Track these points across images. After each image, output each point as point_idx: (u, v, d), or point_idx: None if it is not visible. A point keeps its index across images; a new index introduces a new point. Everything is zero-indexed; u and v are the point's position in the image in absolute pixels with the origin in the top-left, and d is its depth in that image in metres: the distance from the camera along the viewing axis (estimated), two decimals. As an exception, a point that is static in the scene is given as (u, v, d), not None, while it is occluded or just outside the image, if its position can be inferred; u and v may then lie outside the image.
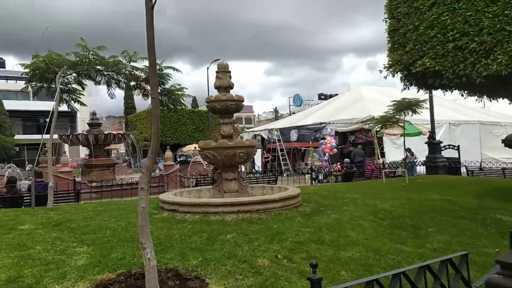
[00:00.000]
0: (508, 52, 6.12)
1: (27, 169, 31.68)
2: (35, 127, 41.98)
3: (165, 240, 4.72)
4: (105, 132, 18.46)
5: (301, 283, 3.77)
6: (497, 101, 10.20)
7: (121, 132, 20.19)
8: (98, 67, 9.19)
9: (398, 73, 8.32)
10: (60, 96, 9.24)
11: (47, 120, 35.70)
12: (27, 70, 10.00)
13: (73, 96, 10.51)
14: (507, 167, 15.55)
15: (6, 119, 34.35)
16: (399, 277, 2.57)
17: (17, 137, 35.97)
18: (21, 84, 45.65)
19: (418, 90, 9.05)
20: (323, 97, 48.34)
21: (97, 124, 18.52)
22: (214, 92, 7.04)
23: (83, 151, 32.91)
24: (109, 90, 10.15)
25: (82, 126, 42.36)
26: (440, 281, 2.77)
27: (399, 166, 15.84)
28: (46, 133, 37.55)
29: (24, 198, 9.63)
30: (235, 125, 7.03)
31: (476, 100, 10.05)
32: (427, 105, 14.03)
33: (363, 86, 25.90)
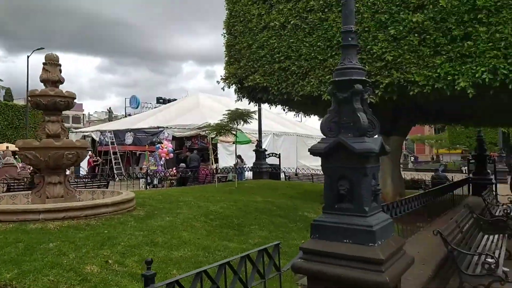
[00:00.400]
0: (319, 77, 7.46)
1: None
2: None
3: (-34, 254, 3.99)
4: None
5: (132, 285, 3.78)
6: (310, 117, 12.14)
7: None
8: None
9: (233, 85, 9.08)
10: None
11: None
12: None
13: None
14: (315, 173, 18.63)
15: None
16: (224, 267, 2.90)
17: None
18: None
19: (249, 102, 10.05)
20: (162, 100, 47.94)
21: None
22: (38, 85, 6.29)
23: None
24: None
25: None
26: (257, 268, 3.24)
27: (230, 171, 17.07)
28: None
29: None
30: (63, 124, 6.42)
31: (294, 115, 11.76)
32: (256, 116, 15.66)
33: (201, 94, 26.92)
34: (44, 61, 6.15)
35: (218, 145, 20.30)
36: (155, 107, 44.50)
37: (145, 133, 22.16)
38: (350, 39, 3.32)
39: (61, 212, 5.50)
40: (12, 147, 22.01)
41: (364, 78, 3.30)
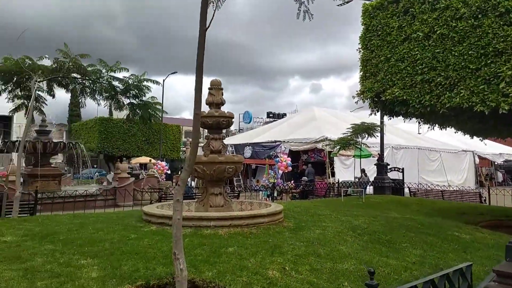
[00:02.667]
0: (470, 87, 7.01)
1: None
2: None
3: (169, 253, 4.72)
4: (55, 141, 17.44)
5: (313, 293, 4.03)
6: (446, 129, 11.36)
7: (72, 141, 19.13)
8: (74, 74, 8.86)
9: (368, 99, 9.04)
10: (22, 102, 8.71)
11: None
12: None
13: (36, 104, 9.95)
14: (446, 189, 17.18)
15: None
16: (429, 284, 2.94)
17: None
18: None
19: (383, 116, 9.84)
20: (272, 115, 49.61)
21: (46, 132, 17.43)
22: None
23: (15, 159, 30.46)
24: (80, 99, 9.77)
25: (17, 132, 39.28)
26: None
27: (350, 186, 16.76)
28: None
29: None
30: (223, 141, 7.18)
31: (429, 128, 11.11)
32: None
33: (315, 108, 27.16)
34: (209, 86, 7.01)
35: (335, 158, 20.18)
36: (265, 122, 46.28)
37: (262, 147, 23.19)
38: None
39: (228, 220, 6.13)
40: (151, 160, 25.06)
41: None
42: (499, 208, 12.38)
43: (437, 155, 24.15)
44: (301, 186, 16.45)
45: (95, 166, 36.84)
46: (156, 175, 20.05)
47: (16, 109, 12.18)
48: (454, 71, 7.29)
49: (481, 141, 13.38)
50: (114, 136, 33.35)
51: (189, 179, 23.59)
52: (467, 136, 12.34)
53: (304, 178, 17.41)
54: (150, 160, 23.84)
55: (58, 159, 36.22)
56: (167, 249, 4.90)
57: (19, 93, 9.45)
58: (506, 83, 6.50)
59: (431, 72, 7.66)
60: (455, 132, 12.03)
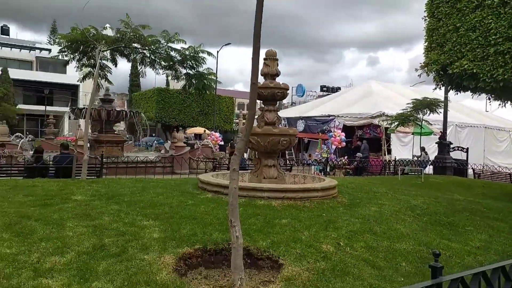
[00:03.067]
0: (554, 61, 6.29)
1: (27, 139, 31.49)
2: (35, 97, 41.52)
3: (225, 220, 4.85)
4: (117, 109, 18.41)
5: (368, 270, 3.95)
6: (505, 106, 10.41)
7: (134, 110, 20.12)
8: (135, 44, 9.16)
9: (433, 72, 8.45)
10: (89, 71, 9.21)
11: (47, 92, 35.05)
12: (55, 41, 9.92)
13: (102, 73, 10.47)
14: (515, 172, 15.90)
15: (10, 88, 33.95)
16: (498, 270, 2.74)
17: (18, 106, 35.62)
18: (24, 54, 45.07)
19: (448, 91, 9.20)
20: (325, 88, 48.44)
21: (109, 100, 18.41)
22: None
23: (83, 126, 32.69)
24: (141, 68, 10.14)
25: (83, 100, 42.05)
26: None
27: (408, 164, 16.05)
28: (48, 105, 37.10)
29: (50, 169, 9.66)
30: (278, 113, 7.12)
31: (499, 105, 10.25)
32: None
33: (372, 81, 26.02)
34: (264, 56, 6.90)
35: (392, 135, 19.35)
36: (318, 95, 45.34)
37: (315, 121, 22.81)
38: None
39: (281, 192, 6.15)
40: (205, 130, 25.72)
41: None
42: None
43: (506, 135, 22.32)
44: (355, 162, 16.07)
45: (153, 134, 38.63)
46: (210, 145, 20.59)
47: (84, 77, 12.94)
48: (536, 42, 6.56)
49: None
50: (171, 106, 34.52)
51: (168, 147, 23.56)
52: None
53: (359, 154, 16.95)
54: (205, 131, 24.48)
55: (121, 126, 38.41)
56: (223, 216, 5.04)
57: (86, 62, 9.99)
58: None
59: (507, 42, 6.95)
60: (531, 111, 10.97)
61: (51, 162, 9.97)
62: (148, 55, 9.63)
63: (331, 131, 19.79)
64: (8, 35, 48.89)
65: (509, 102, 9.85)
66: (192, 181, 8.28)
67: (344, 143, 19.57)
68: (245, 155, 21.44)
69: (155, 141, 31.90)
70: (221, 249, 4.05)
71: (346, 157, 18.49)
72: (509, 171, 16.31)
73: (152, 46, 9.32)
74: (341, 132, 20.03)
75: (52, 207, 4.95)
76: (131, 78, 45.46)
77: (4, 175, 9.30)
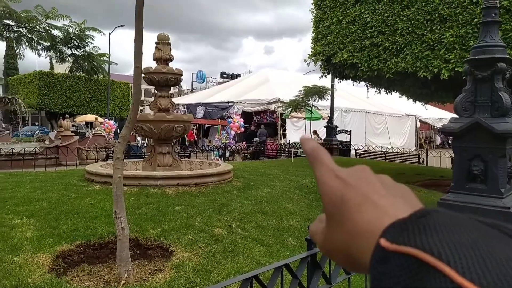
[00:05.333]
0: (415, 53, 7.24)
1: None
2: None
3: (111, 212, 4.59)
4: (-13, 95, 16.03)
5: (257, 248, 4.13)
6: (391, 93, 11.79)
7: (10, 96, 17.65)
8: (7, 21, 7.95)
9: (319, 62, 9.07)
10: None
11: None
12: None
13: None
14: (389, 151, 18.17)
15: None
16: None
17: None
18: None
19: (333, 79, 9.96)
20: (225, 75, 48.86)
21: (-23, 84, 15.93)
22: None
23: None
24: (18, 49, 8.86)
25: None
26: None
27: (300, 147, 17.10)
28: None
29: None
30: (171, 99, 6.93)
31: (375, 92, 11.47)
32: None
33: (269, 69, 27.02)
34: (156, 40, 6.62)
35: (287, 120, 20.45)
36: (219, 82, 45.53)
37: (215, 107, 22.92)
38: (493, 15, 3.22)
39: (175, 179, 6.04)
40: (97, 118, 23.95)
41: (507, 56, 3.22)
42: (435, 169, 13.34)
43: (382, 118, 25.25)
44: (253, 147, 16.60)
45: (36, 123, 34.64)
46: (103, 134, 19.26)
47: None
48: (401, 36, 7.46)
49: (423, 105, 14.07)
50: (56, 92, 31.26)
51: (139, 138, 23.00)
52: (410, 100, 12.92)
53: (256, 139, 17.55)
54: (97, 119, 22.78)
55: (-6, 115, 33.55)
56: (110, 208, 4.74)
57: None
58: (446, 49, 6.77)
59: (380, 36, 7.79)
60: (400, 97, 12.54)
61: None
62: (25, 33, 8.45)
63: (230, 117, 20.08)
64: None
65: (383, 89, 11.09)
66: (79, 172, 7.65)
67: (243, 129, 20.05)
68: (145, 143, 20.60)
69: (38, 131, 28.65)
70: (106, 242, 3.83)
71: (244, 142, 18.99)
72: (384, 150, 18.59)
73: (28, 24, 8.20)
74: (240, 118, 20.49)
75: None
76: (6, 60, 39.80)
77: None
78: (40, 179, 6.53)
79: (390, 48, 7.72)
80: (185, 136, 22.14)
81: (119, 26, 25.75)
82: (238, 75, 46.05)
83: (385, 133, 24.92)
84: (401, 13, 7.42)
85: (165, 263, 3.66)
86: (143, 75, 6.99)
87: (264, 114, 22.16)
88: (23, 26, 8.21)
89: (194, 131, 22.96)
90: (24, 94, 30.60)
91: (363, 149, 19.05)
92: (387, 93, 11.35)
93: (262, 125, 21.08)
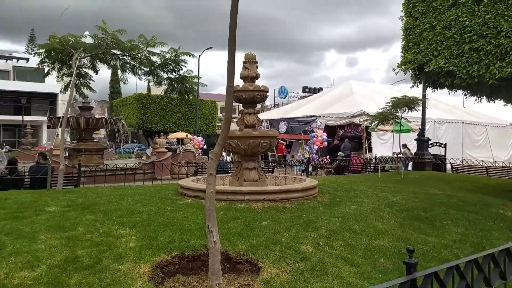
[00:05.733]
0: (523, 56, 6.46)
1: (4, 150, 30.53)
2: (12, 107, 40.49)
3: (204, 225, 4.78)
4: (97, 117, 18.11)
5: (347, 268, 3.95)
6: (494, 102, 10.65)
7: (114, 117, 19.80)
8: (115, 51, 9.01)
9: (410, 71, 8.58)
10: (70, 81, 9.02)
11: (24, 101, 34.27)
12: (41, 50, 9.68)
13: (84, 81, 10.27)
14: (491, 166, 16.33)
15: (-15, 98, 32.99)
16: (471, 264, 2.78)
17: (-6, 117, 34.68)
18: (1, 63, 43.95)
19: (425, 88, 9.34)
20: (307, 89, 48.83)
21: (88, 108, 18.10)
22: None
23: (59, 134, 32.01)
24: (122, 75, 9.98)
25: (62, 108, 41.13)
26: (500, 268, 3.01)
27: (388, 161, 16.27)
28: (26, 115, 36.21)
29: (25, 180, 9.40)
30: (258, 116, 7.10)
31: (475, 100, 10.46)
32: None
33: (352, 81, 26.32)
34: (244, 59, 6.88)
35: (373, 133, 19.61)
36: (301, 97, 45.59)
37: (298, 122, 22.95)
38: None
39: (261, 194, 6.12)
40: (187, 135, 25.53)
41: None
42: (551, 186, 11.61)
43: (482, 129, 22.86)
44: (337, 162, 16.19)
45: (135, 141, 38.17)
46: (192, 150, 20.45)
47: (66, 88, 12.68)
48: (506, 38, 6.72)
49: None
50: (152, 112, 34.17)
51: (224, 154, 23.99)
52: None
53: (340, 153, 17.09)
54: (187, 135, 24.29)
55: (101, 134, 37.75)
56: (202, 221, 4.97)
57: (66, 71, 9.79)
58: None
59: (481, 40, 7.11)
60: (504, 105, 11.27)
61: (26, 173, 9.71)
62: (128, 61, 9.49)
63: (313, 131, 19.91)
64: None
65: (484, 97, 10.07)
66: (172, 187, 8.18)
67: (326, 143, 19.72)
68: (228, 158, 21.39)
69: (137, 148, 31.51)
70: (199, 255, 3.99)
71: (328, 156, 18.63)
72: (485, 164, 16.73)
73: (132, 52, 9.19)
74: (323, 132, 20.20)
75: (24, 220, 4.80)
76: (111, 85, 44.87)
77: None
78: (140, 193, 7.11)
79: (493, 52, 7.01)
80: (274, 150, 22.46)
81: (207, 49, 27.43)
82: (320, 89, 45.72)
83: (486, 146, 22.49)
84: (505, 13, 6.70)
85: (253, 279, 3.69)
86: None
87: (348, 127, 21.54)
88: (127, 54, 9.20)
89: (284, 145, 23.20)
90: (126, 115, 34.01)
91: (461, 163, 17.39)
92: (489, 102, 10.27)
93: (346, 139, 20.50)
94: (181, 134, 30.10)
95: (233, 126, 7.31)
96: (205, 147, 25.31)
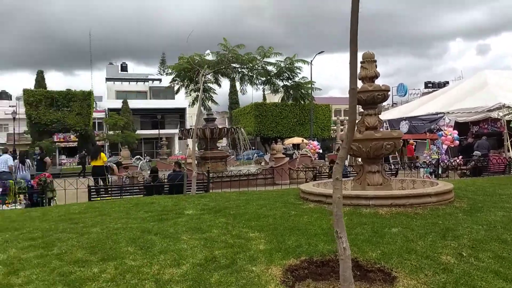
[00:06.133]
0: None
1: (145, 161, 34.95)
2: (150, 123, 46.45)
3: (330, 231, 4.72)
4: (219, 127, 19.57)
5: (499, 283, 3.44)
6: None
7: (234, 126, 21.21)
8: (234, 65, 9.68)
9: None
10: (197, 96, 9.98)
11: (159, 117, 38.88)
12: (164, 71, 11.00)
13: (208, 95, 11.25)
14: None
15: (130, 117, 38.64)
16: None
17: (137, 132, 40.22)
18: (140, 85, 51.17)
19: None
20: (430, 85, 44.88)
21: (212, 119, 19.68)
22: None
23: (190, 144, 35.38)
24: (241, 86, 10.65)
25: (190, 121, 45.67)
26: None
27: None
28: (161, 128, 41.08)
29: (164, 186, 10.61)
30: (379, 116, 6.76)
31: None
32: None
33: (487, 71, 23.19)
34: (361, 59, 6.65)
35: (515, 129, 16.91)
36: (423, 93, 42.04)
37: (421, 120, 21.17)
38: None
39: (388, 199, 5.78)
40: (303, 140, 25.74)
41: None
42: None
43: None
44: (473, 162, 14.39)
45: (253, 148, 40.00)
46: (309, 155, 20.52)
47: (193, 102, 14.08)
48: None
49: None
50: (268, 119, 35.40)
51: (267, 158, 23.21)
52: None
53: (477, 152, 15.17)
54: (303, 140, 24.46)
55: (223, 142, 40.62)
56: (327, 226, 4.92)
57: (194, 87, 10.90)
58: None
59: None
60: None
61: (165, 180, 10.95)
62: (247, 72, 10.06)
63: (441, 130, 18.11)
64: (127, 71, 56.07)
65: None
66: (293, 191, 8.30)
67: (457, 142, 17.71)
68: (346, 162, 20.80)
69: (255, 154, 32.96)
70: (328, 260, 3.94)
71: (460, 156, 16.70)
72: None
73: (250, 64, 9.71)
74: (453, 130, 18.21)
75: (168, 222, 5.40)
76: (230, 96, 48.01)
77: (128, 193, 10.53)
78: (263, 198, 7.39)
79: None
80: (401, 150, 21.12)
81: (319, 53, 27.34)
82: (446, 83, 41.53)
83: None
84: None
85: (388, 289, 3.48)
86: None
87: (484, 123, 18.99)
88: (245, 66, 9.74)
89: (414, 146, 21.72)
90: (244, 123, 35.96)
91: None
92: None
93: (484, 136, 18.10)
94: (296, 139, 30.49)
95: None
96: (320, 151, 25.14)
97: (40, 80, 38.20)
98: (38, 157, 12.75)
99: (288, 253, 4.00)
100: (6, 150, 20.79)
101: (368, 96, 6.49)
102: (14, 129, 37.25)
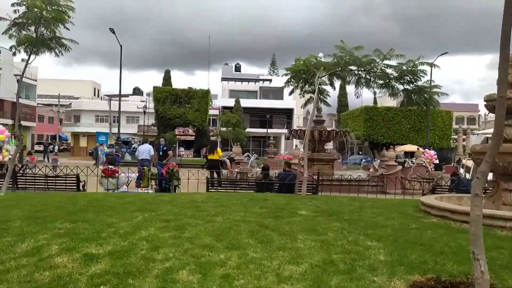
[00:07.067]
0: None
1: (253, 158, 36.42)
2: (258, 122, 48.25)
3: (458, 250, 4.34)
4: (328, 129, 19.36)
5: None
6: None
7: (343, 129, 20.80)
8: (351, 67, 9.52)
9: None
10: (310, 97, 10.09)
11: (268, 116, 40.09)
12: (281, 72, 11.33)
13: (322, 96, 11.27)
14: None
15: (241, 115, 40.75)
16: None
17: (246, 130, 42.18)
18: (251, 85, 53.66)
19: None
20: None
21: (321, 121, 19.57)
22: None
23: (299, 145, 35.69)
24: (356, 89, 10.45)
25: (297, 122, 46.22)
26: None
27: None
28: (268, 128, 42.39)
29: (274, 185, 10.92)
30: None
31: None
32: None
33: None
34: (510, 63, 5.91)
35: None
36: None
37: None
38: None
39: (531, 223, 5.05)
40: (418, 148, 23.94)
41: None
42: None
43: None
44: None
45: (360, 153, 38.64)
46: (425, 164, 19.05)
47: (306, 103, 14.25)
48: None
49: None
50: (379, 124, 33.83)
51: (462, 171, 21.20)
52: None
53: None
54: (418, 149, 22.77)
55: (330, 145, 40.10)
56: (455, 245, 4.52)
57: (307, 88, 11.02)
58: None
59: None
60: None
61: (275, 178, 11.27)
62: (364, 75, 9.79)
63: None
64: (240, 71, 59.30)
65: None
66: (408, 202, 7.81)
67: None
68: (467, 175, 18.75)
69: (363, 159, 31.78)
70: (458, 282, 3.61)
71: None
72: None
73: (368, 66, 9.43)
74: None
75: (283, 220, 5.56)
76: (339, 99, 47.16)
77: (239, 188, 11.13)
78: (377, 206, 7.11)
79: None
80: None
81: (442, 54, 25.06)
82: None
83: None
84: None
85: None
86: (484, 102, 6.41)
87: None
88: (362, 69, 9.48)
89: None
90: (352, 127, 34.93)
91: None
92: None
93: None
94: (410, 147, 28.52)
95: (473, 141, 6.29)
96: (437, 161, 23.09)
97: (167, 79, 42.67)
98: (164, 148, 14.20)
99: (412, 268, 3.79)
100: (146, 139, 23.70)
101: (510, 104, 5.74)
102: (144, 121, 42.39)
